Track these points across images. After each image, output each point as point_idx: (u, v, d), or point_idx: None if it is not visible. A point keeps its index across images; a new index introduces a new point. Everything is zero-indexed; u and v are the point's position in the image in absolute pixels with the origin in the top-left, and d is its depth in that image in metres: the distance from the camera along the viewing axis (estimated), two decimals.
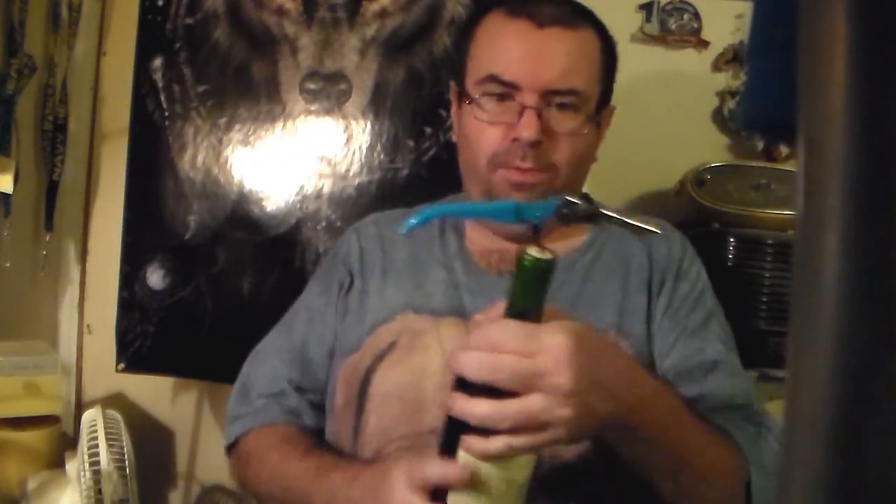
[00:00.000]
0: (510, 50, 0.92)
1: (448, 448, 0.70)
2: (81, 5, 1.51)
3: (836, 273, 0.23)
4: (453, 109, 1.03)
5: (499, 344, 0.66)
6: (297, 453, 0.94)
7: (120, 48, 1.53)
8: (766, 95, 0.34)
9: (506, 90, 0.91)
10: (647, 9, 1.47)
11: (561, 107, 0.92)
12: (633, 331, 0.93)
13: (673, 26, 1.47)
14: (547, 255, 0.66)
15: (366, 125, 1.46)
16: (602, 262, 0.99)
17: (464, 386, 0.68)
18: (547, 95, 0.91)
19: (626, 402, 0.71)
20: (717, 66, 1.47)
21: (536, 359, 0.66)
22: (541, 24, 0.92)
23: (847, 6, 0.23)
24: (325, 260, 1.13)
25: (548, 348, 0.66)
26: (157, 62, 1.50)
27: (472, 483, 0.68)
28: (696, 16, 1.47)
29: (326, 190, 1.47)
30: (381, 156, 1.46)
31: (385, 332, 0.97)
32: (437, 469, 0.71)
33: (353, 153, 1.47)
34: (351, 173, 1.47)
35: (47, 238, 1.53)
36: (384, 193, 1.45)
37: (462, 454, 0.69)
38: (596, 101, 0.95)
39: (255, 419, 1.01)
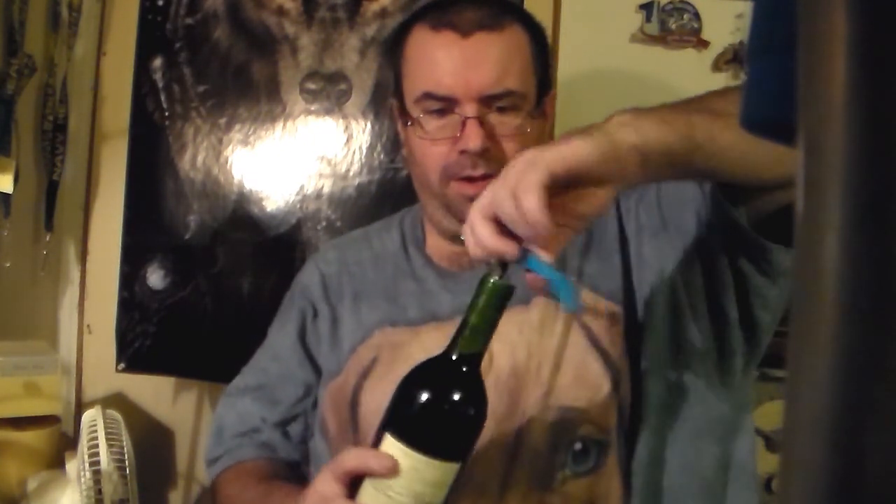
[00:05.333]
0: (440, 64, 0.92)
1: (375, 441, 0.71)
2: (81, 5, 1.51)
3: (836, 273, 0.23)
4: (398, 126, 1.02)
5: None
6: (252, 483, 0.96)
7: (120, 48, 1.53)
8: (766, 95, 0.34)
9: (444, 104, 0.91)
10: (647, 9, 1.46)
11: (501, 110, 0.91)
12: (603, 282, 0.92)
13: (673, 26, 1.47)
14: (508, 281, 0.68)
15: (366, 125, 1.46)
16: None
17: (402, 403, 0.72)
18: (485, 102, 0.90)
19: (599, 134, 0.68)
20: (717, 66, 1.47)
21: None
22: (465, 33, 0.91)
23: (847, 6, 0.23)
24: (286, 294, 1.14)
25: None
26: (157, 62, 1.49)
27: (390, 475, 0.68)
28: (696, 16, 1.47)
29: (326, 190, 1.47)
30: (381, 156, 1.46)
31: (365, 350, 0.97)
32: (353, 456, 0.72)
33: (353, 153, 1.47)
34: (351, 173, 1.47)
35: (47, 238, 1.53)
36: (384, 193, 1.45)
37: (385, 443, 0.69)
38: (535, 95, 0.94)
39: (228, 459, 1.03)
